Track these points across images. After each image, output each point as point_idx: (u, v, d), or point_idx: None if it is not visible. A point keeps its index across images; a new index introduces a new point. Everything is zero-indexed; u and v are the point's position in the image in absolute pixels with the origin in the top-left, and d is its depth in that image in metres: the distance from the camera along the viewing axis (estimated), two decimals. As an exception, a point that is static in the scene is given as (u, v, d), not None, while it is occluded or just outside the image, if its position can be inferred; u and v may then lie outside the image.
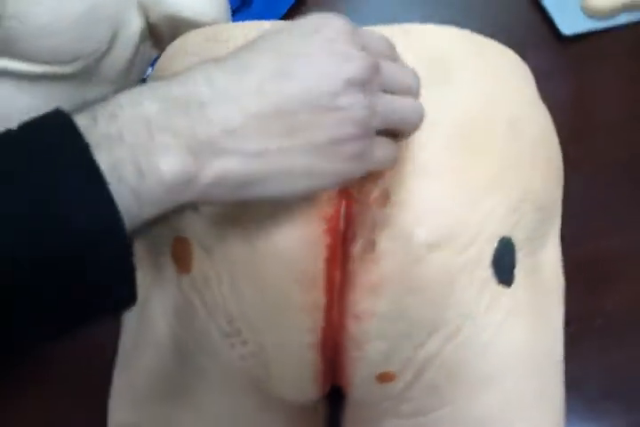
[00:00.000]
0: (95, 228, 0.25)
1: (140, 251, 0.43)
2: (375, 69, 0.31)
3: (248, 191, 0.30)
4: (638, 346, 0.50)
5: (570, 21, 0.59)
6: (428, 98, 0.37)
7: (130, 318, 0.43)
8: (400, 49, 0.37)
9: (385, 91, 0.32)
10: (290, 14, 0.58)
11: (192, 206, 0.37)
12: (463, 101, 0.38)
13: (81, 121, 0.26)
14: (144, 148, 0.26)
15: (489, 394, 0.39)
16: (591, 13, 0.59)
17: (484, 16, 0.61)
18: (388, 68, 0.32)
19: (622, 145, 0.57)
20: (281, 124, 0.29)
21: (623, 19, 0.59)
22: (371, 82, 0.30)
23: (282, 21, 0.42)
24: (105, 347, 0.44)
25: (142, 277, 0.42)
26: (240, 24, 0.41)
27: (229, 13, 0.51)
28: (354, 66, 0.30)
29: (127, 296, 0.28)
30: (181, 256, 0.38)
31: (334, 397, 0.43)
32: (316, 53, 0.30)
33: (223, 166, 0.28)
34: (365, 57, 0.30)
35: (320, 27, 0.30)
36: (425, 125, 0.36)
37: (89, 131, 0.26)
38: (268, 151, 0.29)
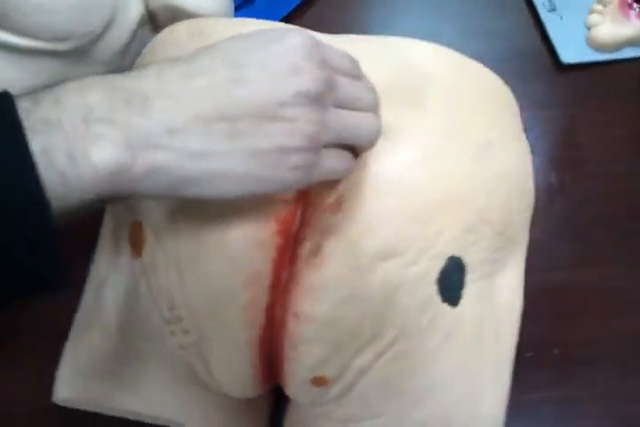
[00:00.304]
0: (18, 204, 0.26)
1: (106, 234, 0.44)
2: (329, 85, 0.31)
3: (184, 189, 0.30)
4: (592, 379, 0.50)
5: (572, 51, 0.59)
6: (397, 114, 0.37)
7: (87, 296, 0.44)
8: (377, 62, 0.38)
9: (341, 106, 0.32)
10: (294, 15, 0.59)
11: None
12: (432, 122, 0.38)
13: (24, 104, 0.27)
14: (79, 136, 0.27)
15: (423, 410, 0.39)
16: (595, 46, 0.59)
17: (488, 39, 0.61)
18: (344, 84, 0.32)
19: (610, 178, 0.57)
20: (223, 128, 0.29)
21: (627, 53, 0.59)
22: (323, 97, 0.31)
23: (274, 23, 0.42)
24: (73, 317, 0.45)
25: (104, 259, 0.43)
26: (225, 20, 0.41)
27: (232, 10, 0.51)
28: (306, 79, 0.30)
29: (51, 274, 0.29)
30: (135, 240, 0.38)
31: (281, 394, 0.43)
32: (270, 64, 0.30)
33: (157, 162, 0.28)
34: (319, 72, 0.30)
35: (280, 39, 0.31)
36: (390, 141, 0.36)
37: (29, 114, 0.27)
38: (208, 153, 0.29)
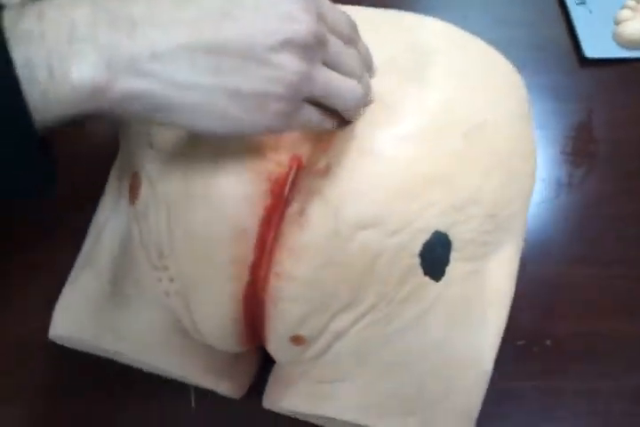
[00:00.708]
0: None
1: (113, 177, 0.46)
2: (319, 40, 0.31)
3: (162, 116, 0.30)
4: (579, 375, 0.50)
5: (597, 46, 0.59)
6: (397, 87, 0.38)
7: (89, 237, 0.45)
8: (388, 35, 0.39)
9: (327, 66, 0.32)
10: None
11: (148, 142, 0.39)
12: (431, 98, 0.38)
13: (9, 15, 0.27)
14: (60, 51, 0.27)
15: (394, 379, 0.40)
16: (622, 42, 0.59)
17: (514, 28, 0.61)
18: (335, 44, 0.32)
19: (624, 175, 0.57)
20: (208, 62, 0.29)
21: (653, 52, 0.59)
22: (312, 50, 0.30)
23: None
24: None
25: (108, 202, 0.45)
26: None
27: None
28: (298, 29, 0.30)
29: (36, 182, 0.30)
30: (133, 188, 0.40)
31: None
32: (265, 6, 0.30)
33: (138, 87, 0.29)
34: (313, 24, 0.30)
35: None
36: (385, 112, 0.37)
37: (13, 26, 0.27)
38: (190, 85, 0.29)
